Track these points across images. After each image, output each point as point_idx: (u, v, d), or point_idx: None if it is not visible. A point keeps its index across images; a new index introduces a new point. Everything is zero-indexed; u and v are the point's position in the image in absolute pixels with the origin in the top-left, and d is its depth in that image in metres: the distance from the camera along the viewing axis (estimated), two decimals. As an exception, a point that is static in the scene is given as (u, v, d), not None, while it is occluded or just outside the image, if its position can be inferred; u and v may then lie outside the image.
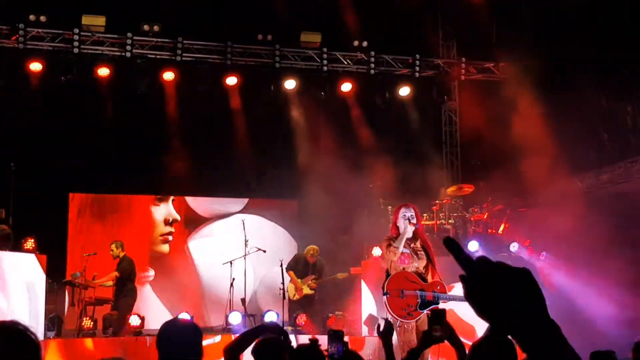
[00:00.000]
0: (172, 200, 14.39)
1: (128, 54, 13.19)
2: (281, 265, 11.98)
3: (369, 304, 11.54)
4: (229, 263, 12.36)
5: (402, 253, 7.44)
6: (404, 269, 7.45)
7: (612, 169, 12.05)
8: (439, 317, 4.07)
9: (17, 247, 11.02)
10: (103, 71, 13.13)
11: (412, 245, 7.55)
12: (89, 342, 10.73)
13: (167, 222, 14.32)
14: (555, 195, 11.94)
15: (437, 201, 12.94)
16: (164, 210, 14.34)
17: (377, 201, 13.12)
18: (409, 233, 7.50)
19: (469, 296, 1.33)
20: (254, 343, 4.19)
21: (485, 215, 12.83)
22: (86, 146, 13.46)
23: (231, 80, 13.72)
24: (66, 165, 13.26)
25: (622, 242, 10.77)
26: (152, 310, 13.44)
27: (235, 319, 11.43)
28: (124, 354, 9.95)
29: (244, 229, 12.61)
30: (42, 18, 12.81)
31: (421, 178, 13.19)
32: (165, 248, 14.30)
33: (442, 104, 15.20)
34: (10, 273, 10.61)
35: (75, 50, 12.93)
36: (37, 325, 10.23)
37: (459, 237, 12.45)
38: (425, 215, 12.06)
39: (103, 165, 13.55)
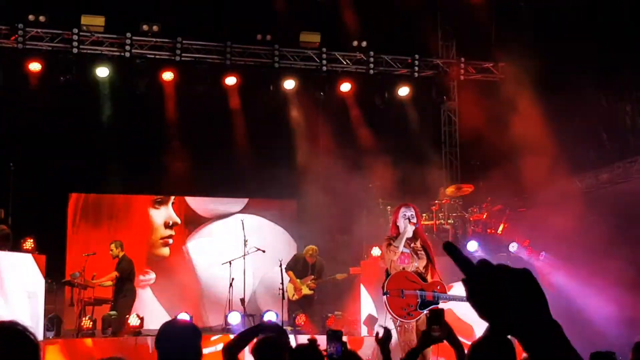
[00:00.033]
0: (172, 203, 14.38)
1: (127, 54, 13.19)
2: (280, 266, 11.98)
3: (368, 304, 11.54)
4: (228, 263, 12.36)
5: (402, 253, 7.44)
6: (403, 268, 7.45)
7: (611, 169, 12.05)
8: (437, 317, 4.07)
9: (16, 247, 11.03)
10: (102, 71, 13.13)
11: (412, 245, 7.55)
12: (88, 342, 10.73)
13: (167, 225, 14.31)
14: (554, 195, 11.94)
15: (436, 201, 12.94)
16: (164, 214, 14.32)
17: (377, 201, 13.12)
18: (409, 233, 7.50)
19: (471, 298, 1.34)
20: (253, 342, 4.19)
21: (485, 215, 12.83)
22: (85, 146, 13.46)
23: (230, 80, 13.72)
24: (65, 165, 13.26)
25: (621, 242, 10.76)
26: (152, 310, 13.43)
27: (235, 319, 11.44)
28: (124, 354, 9.94)
29: (243, 229, 12.61)
30: (42, 18, 12.80)
31: (420, 178, 13.19)
32: (166, 251, 14.29)
33: (441, 104, 15.19)
34: (9, 273, 10.60)
35: (75, 50, 12.93)
36: (36, 325, 10.23)
37: (458, 237, 12.46)
38: (424, 215, 12.05)
39: (102, 166, 13.55)
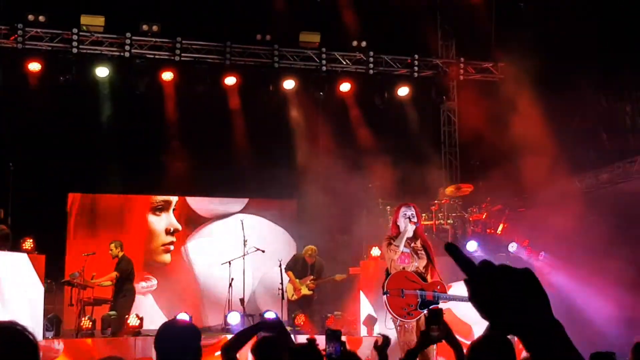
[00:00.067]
0: (173, 209, 14.37)
1: (127, 54, 13.18)
2: (280, 266, 11.98)
3: (367, 304, 11.53)
4: (228, 263, 12.36)
5: (402, 252, 7.43)
6: (403, 268, 7.44)
7: (611, 169, 12.05)
8: (436, 317, 4.06)
9: (15, 247, 11.02)
10: (102, 71, 13.13)
11: (412, 244, 7.54)
12: (88, 342, 10.72)
13: (168, 232, 14.30)
14: (554, 195, 11.94)
15: (435, 201, 12.94)
16: (164, 220, 14.31)
17: (376, 201, 13.11)
18: (410, 232, 7.49)
19: (473, 298, 1.34)
20: (253, 341, 4.18)
21: (484, 215, 12.82)
22: (85, 146, 13.46)
23: (230, 80, 13.72)
24: (65, 165, 13.25)
25: (621, 242, 10.76)
26: (151, 310, 13.43)
27: (234, 319, 11.43)
28: (123, 354, 9.93)
29: (243, 229, 12.61)
30: (41, 18, 12.80)
31: (420, 178, 13.19)
32: (167, 258, 14.28)
33: (441, 104, 15.19)
34: (8, 273, 10.60)
35: (74, 50, 12.92)
36: (35, 325, 10.22)
37: (457, 238, 12.45)
38: (424, 215, 12.04)
39: (102, 166, 13.54)
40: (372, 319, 11.29)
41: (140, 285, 13.61)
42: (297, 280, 12.47)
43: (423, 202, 12.15)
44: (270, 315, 11.05)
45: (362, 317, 11.52)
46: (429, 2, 14.79)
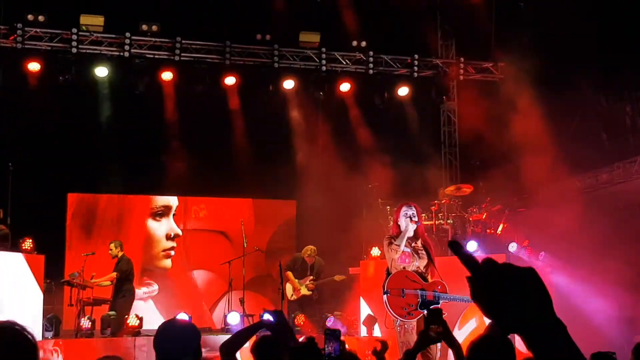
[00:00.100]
0: (173, 215, 14.36)
1: (126, 54, 13.17)
2: (279, 266, 11.97)
3: (367, 304, 11.52)
4: (228, 263, 12.35)
5: (403, 252, 7.42)
6: (404, 267, 7.43)
7: (611, 169, 12.04)
8: (435, 317, 4.04)
9: (15, 247, 11.01)
10: (101, 71, 13.12)
11: (413, 244, 7.53)
12: (87, 342, 10.70)
13: (168, 237, 14.30)
14: (554, 195, 11.93)
15: (435, 201, 12.92)
16: (165, 226, 14.31)
17: (376, 201, 13.10)
18: (411, 231, 7.48)
19: (475, 297, 1.33)
20: (252, 341, 4.17)
21: (484, 216, 12.80)
22: (84, 146, 13.46)
23: (230, 80, 13.71)
24: (65, 165, 13.25)
25: (621, 242, 10.76)
26: (151, 311, 13.43)
27: (234, 319, 11.42)
28: (122, 355, 9.92)
29: (242, 228, 12.60)
30: (41, 18, 12.79)
31: (420, 178, 13.18)
32: (168, 263, 14.27)
33: (440, 104, 15.19)
34: (8, 273, 10.59)
35: (74, 50, 12.91)
36: (34, 325, 10.21)
37: (457, 238, 12.44)
38: (423, 215, 12.03)
39: (101, 165, 13.53)
40: (372, 318, 11.28)
41: (141, 291, 13.62)
42: (297, 280, 12.46)
43: (423, 202, 12.12)
44: (268, 316, 11.09)
45: (362, 317, 11.51)
46: (429, 2, 14.78)
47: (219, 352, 4.09)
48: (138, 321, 11.15)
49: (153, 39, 13.37)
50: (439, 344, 6.46)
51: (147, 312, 13.06)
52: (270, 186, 13.98)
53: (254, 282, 13.90)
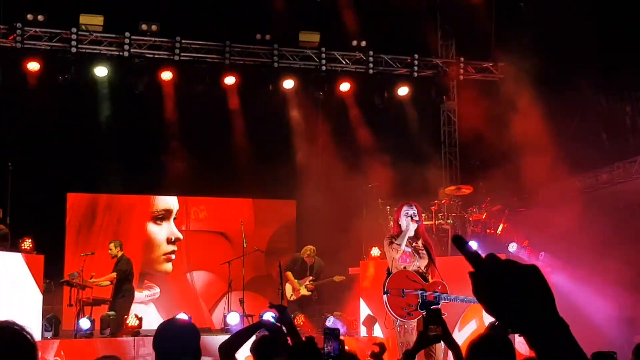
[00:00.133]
0: (174, 218, 14.35)
1: (126, 54, 13.16)
2: (279, 266, 11.95)
3: (367, 304, 11.51)
4: (227, 263, 12.34)
5: (403, 251, 7.40)
6: (405, 267, 7.41)
7: (611, 169, 12.03)
8: (434, 317, 4.03)
9: (14, 247, 11.00)
10: (101, 71, 13.11)
11: (413, 244, 7.52)
12: (86, 343, 10.69)
13: (169, 241, 14.29)
14: (554, 195, 11.92)
15: (435, 201, 12.91)
16: (166, 230, 14.30)
17: (376, 201, 13.09)
18: (411, 231, 7.46)
19: (477, 293, 1.32)
20: (252, 341, 4.17)
21: (484, 216, 12.79)
22: (84, 146, 13.45)
23: (229, 80, 13.70)
24: (64, 165, 13.24)
25: (620, 242, 10.75)
26: (152, 313, 13.42)
27: (234, 319, 11.41)
28: (122, 355, 9.91)
29: (242, 229, 12.59)
30: (40, 17, 12.77)
31: (420, 178, 13.17)
32: (169, 267, 14.27)
33: (440, 103, 15.18)
34: (7, 273, 10.58)
35: (73, 50, 12.90)
36: (33, 325, 10.19)
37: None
38: (424, 215, 12.02)
39: (101, 165, 13.52)
40: (372, 319, 11.27)
41: (143, 294, 13.61)
42: (296, 280, 12.45)
43: (423, 202, 12.12)
44: (267, 318, 11.08)
45: (362, 317, 11.50)
46: (429, 2, 14.77)
47: (218, 353, 4.08)
48: (137, 321, 11.13)
49: (153, 39, 13.36)
50: (443, 344, 6.44)
51: (149, 314, 13.05)
52: (270, 186, 13.97)
53: (253, 282, 13.89)
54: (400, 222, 7.55)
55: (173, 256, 14.27)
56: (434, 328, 3.95)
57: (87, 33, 13.05)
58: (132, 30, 13.22)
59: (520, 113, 12.48)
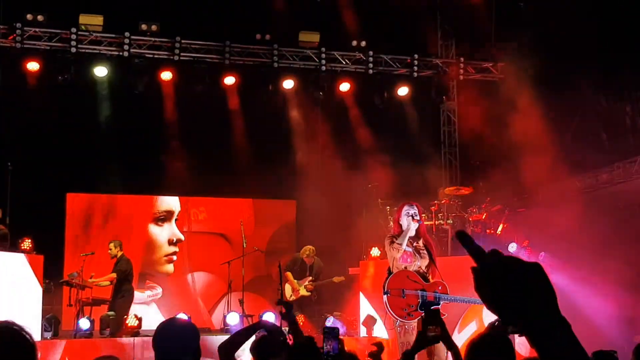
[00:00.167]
0: (176, 220, 14.34)
1: (126, 54, 13.16)
2: (279, 266, 11.94)
3: (367, 304, 11.51)
4: (227, 264, 12.33)
5: (404, 251, 7.39)
6: (405, 267, 7.40)
7: (611, 169, 12.03)
8: (433, 317, 4.02)
9: (14, 247, 10.99)
10: (100, 71, 13.10)
11: (414, 244, 7.50)
12: (86, 343, 10.68)
13: (171, 242, 14.29)
14: (554, 195, 11.91)
15: (435, 201, 12.91)
16: (167, 231, 14.29)
17: (376, 201, 13.08)
18: (412, 230, 7.45)
19: (479, 289, 1.32)
20: (252, 340, 4.16)
21: (484, 216, 12.79)
22: (83, 146, 13.44)
23: (229, 80, 13.69)
24: (64, 165, 13.24)
25: (620, 242, 10.74)
26: (154, 314, 13.41)
27: (233, 319, 11.41)
28: (121, 355, 9.90)
29: (242, 229, 12.59)
30: (40, 17, 12.77)
31: (420, 178, 13.16)
32: (170, 268, 14.26)
33: (440, 103, 15.17)
34: (6, 273, 10.57)
35: (73, 50, 12.89)
36: (33, 325, 10.19)
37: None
38: (423, 215, 12.01)
39: (101, 165, 13.51)
40: (372, 319, 11.26)
41: (145, 294, 13.61)
42: (296, 281, 12.44)
43: (423, 202, 12.09)
44: (267, 318, 11.07)
45: (362, 317, 11.50)
46: (429, 2, 14.77)
47: (218, 353, 4.08)
48: (137, 321, 11.13)
49: (152, 39, 13.36)
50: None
51: (151, 315, 13.04)
52: (270, 186, 13.96)
53: (253, 282, 13.88)
54: (401, 222, 7.54)
55: (174, 257, 14.26)
56: (433, 328, 3.94)
57: (86, 33, 13.04)
58: (132, 30, 13.22)
59: (520, 113, 12.47)
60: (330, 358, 3.58)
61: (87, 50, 13.09)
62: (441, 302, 7.27)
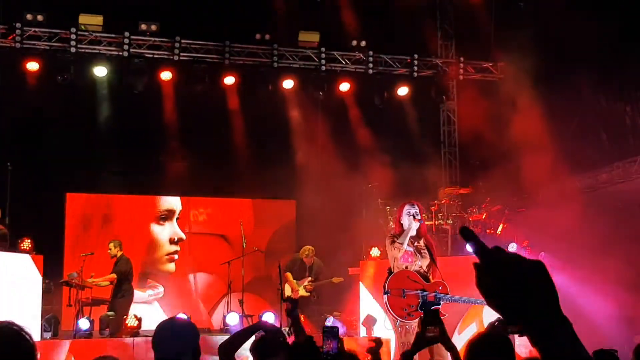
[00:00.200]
0: (177, 218, 14.34)
1: (125, 54, 13.15)
2: (278, 266, 11.95)
3: (367, 304, 11.50)
4: (227, 264, 12.33)
5: (405, 251, 7.38)
6: (406, 267, 7.39)
7: (611, 169, 12.03)
8: (432, 318, 4.01)
9: (14, 247, 10.99)
10: (100, 70, 13.10)
11: (415, 243, 7.50)
12: (86, 343, 10.67)
13: (172, 241, 14.29)
14: (554, 195, 11.91)
15: (435, 201, 12.91)
16: (168, 230, 14.29)
17: (376, 201, 13.08)
18: (414, 230, 7.44)
19: (481, 285, 1.31)
20: (252, 341, 4.16)
21: (484, 216, 12.79)
22: (83, 146, 13.44)
23: (229, 80, 13.69)
24: (63, 165, 13.23)
25: (620, 242, 10.74)
26: (150, 311, 13.40)
27: (233, 319, 11.41)
28: (121, 355, 9.88)
29: (242, 229, 12.58)
30: (39, 17, 12.77)
31: (420, 178, 13.16)
32: (171, 267, 14.26)
33: (440, 103, 15.17)
34: (6, 273, 10.57)
35: (73, 50, 12.89)
36: (33, 326, 10.18)
37: (457, 238, 12.42)
38: (424, 215, 12.00)
39: (100, 165, 13.52)
40: (372, 319, 11.25)
41: (146, 294, 13.61)
42: (295, 281, 12.44)
43: (423, 202, 12.08)
44: (267, 318, 11.07)
45: (362, 317, 11.49)
46: (429, 2, 14.77)
47: (217, 353, 4.08)
48: (137, 321, 11.12)
49: (152, 39, 13.35)
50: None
51: (152, 314, 13.03)
52: (270, 186, 13.96)
53: (253, 283, 13.88)
54: (402, 221, 7.53)
55: (176, 256, 14.26)
56: (432, 329, 3.93)
57: (86, 33, 13.04)
58: (132, 30, 13.21)
59: (520, 113, 12.48)
60: (330, 358, 3.57)
61: (86, 50, 13.09)
62: (442, 303, 7.26)
